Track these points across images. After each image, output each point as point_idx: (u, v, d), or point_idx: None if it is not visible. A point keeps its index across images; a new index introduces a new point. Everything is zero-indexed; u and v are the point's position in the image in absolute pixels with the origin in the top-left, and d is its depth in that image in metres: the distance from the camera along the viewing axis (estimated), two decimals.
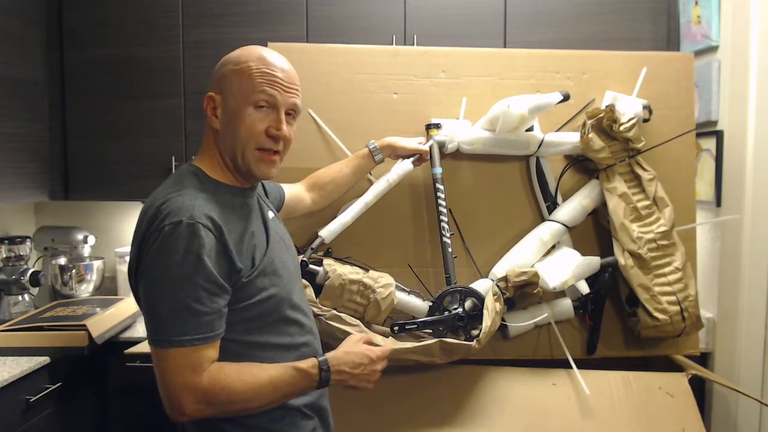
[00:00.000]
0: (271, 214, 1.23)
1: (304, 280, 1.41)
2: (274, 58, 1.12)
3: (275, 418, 1.11)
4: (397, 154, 1.59)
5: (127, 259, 2.46)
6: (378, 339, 1.28)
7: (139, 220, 1.06)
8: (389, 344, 1.29)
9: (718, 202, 1.90)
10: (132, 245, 1.06)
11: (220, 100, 1.10)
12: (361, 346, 1.17)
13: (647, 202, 1.64)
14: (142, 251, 1.01)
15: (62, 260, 2.44)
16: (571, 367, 1.62)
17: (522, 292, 1.57)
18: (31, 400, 1.75)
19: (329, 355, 1.12)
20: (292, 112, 1.14)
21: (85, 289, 2.42)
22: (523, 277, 1.53)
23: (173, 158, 2.26)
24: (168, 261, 0.98)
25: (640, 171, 1.65)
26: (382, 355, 1.17)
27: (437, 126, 1.64)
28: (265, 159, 1.12)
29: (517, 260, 1.63)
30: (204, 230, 0.99)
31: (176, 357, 0.98)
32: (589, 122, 1.64)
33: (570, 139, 1.66)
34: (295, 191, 1.50)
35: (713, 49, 1.94)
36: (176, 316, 0.98)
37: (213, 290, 1.00)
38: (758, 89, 1.78)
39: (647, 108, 1.68)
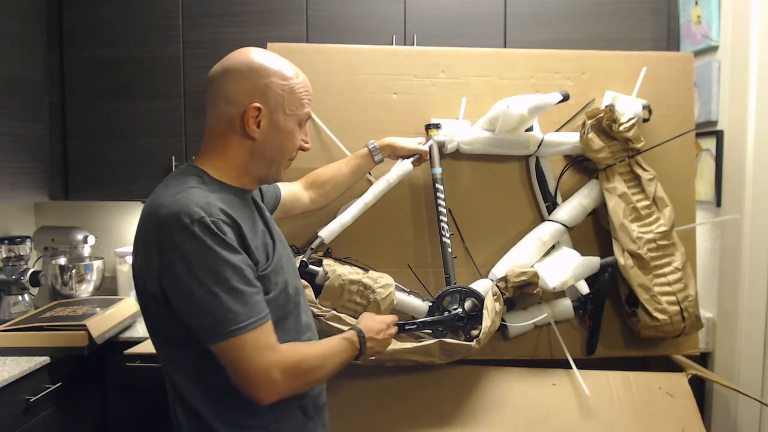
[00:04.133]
0: (267, 213, 1.24)
1: (303, 281, 1.41)
2: (301, 72, 1.14)
3: (275, 418, 1.10)
4: (397, 154, 1.59)
5: (128, 259, 2.43)
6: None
7: (144, 221, 1.03)
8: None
9: (718, 202, 1.90)
10: (142, 248, 1.02)
11: (267, 112, 1.08)
12: (376, 316, 1.32)
13: (647, 202, 1.64)
14: (164, 255, 0.98)
15: (62, 260, 2.44)
16: (571, 367, 1.62)
17: (522, 293, 1.57)
18: (31, 400, 1.75)
19: (359, 325, 1.24)
20: None
21: (85, 289, 2.42)
22: (523, 278, 1.53)
23: (173, 158, 2.26)
24: (200, 258, 0.96)
25: (639, 171, 1.65)
26: (391, 322, 1.33)
27: (437, 126, 1.64)
28: (288, 167, 1.18)
29: (516, 260, 1.63)
30: (224, 225, 1.00)
31: (248, 341, 0.99)
32: (588, 122, 1.64)
33: (570, 139, 1.66)
34: (292, 190, 1.49)
35: (713, 49, 1.94)
36: (231, 304, 0.98)
37: (249, 271, 1.02)
38: (758, 89, 1.78)
39: (647, 108, 1.68)
